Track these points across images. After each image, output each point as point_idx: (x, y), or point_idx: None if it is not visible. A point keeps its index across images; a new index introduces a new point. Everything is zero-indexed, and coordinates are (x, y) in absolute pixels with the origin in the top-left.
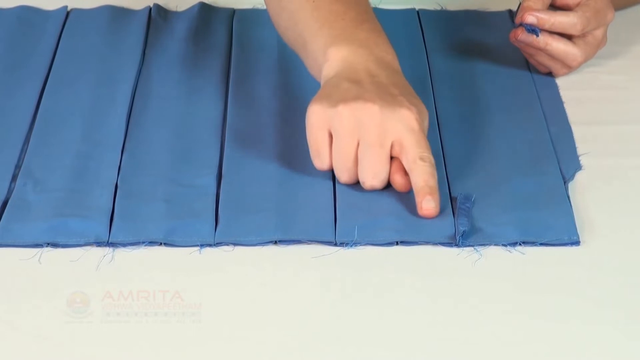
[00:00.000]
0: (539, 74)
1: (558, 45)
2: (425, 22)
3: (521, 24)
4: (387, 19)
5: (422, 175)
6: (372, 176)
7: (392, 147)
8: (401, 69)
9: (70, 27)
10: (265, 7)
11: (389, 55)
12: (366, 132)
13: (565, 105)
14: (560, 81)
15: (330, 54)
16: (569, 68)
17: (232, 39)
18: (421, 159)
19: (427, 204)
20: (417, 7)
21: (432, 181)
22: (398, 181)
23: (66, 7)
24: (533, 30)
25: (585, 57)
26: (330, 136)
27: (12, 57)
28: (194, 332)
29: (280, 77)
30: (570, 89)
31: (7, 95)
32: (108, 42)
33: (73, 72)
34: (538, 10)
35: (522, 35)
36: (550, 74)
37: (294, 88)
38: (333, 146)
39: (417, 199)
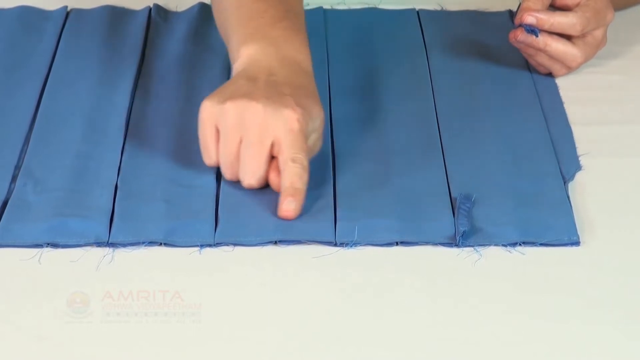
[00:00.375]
0: (539, 74)
1: (557, 46)
2: (425, 22)
3: (520, 25)
4: (387, 19)
5: (289, 176)
6: (250, 174)
7: (272, 146)
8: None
9: (70, 27)
10: None
11: (300, 55)
12: (248, 130)
13: (565, 106)
14: (560, 81)
15: (241, 52)
16: (569, 69)
17: None
18: (292, 160)
19: (287, 205)
20: (417, 7)
21: (299, 183)
22: (272, 180)
23: (66, 7)
24: (532, 30)
25: (585, 58)
26: (218, 132)
27: (12, 57)
28: (194, 332)
29: None
30: (570, 89)
31: (7, 95)
32: (108, 42)
33: (73, 72)
34: (537, 10)
35: (522, 36)
36: (550, 75)
37: None
38: (219, 142)
39: (280, 198)
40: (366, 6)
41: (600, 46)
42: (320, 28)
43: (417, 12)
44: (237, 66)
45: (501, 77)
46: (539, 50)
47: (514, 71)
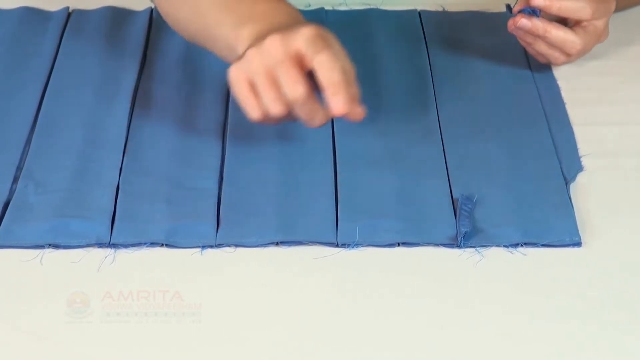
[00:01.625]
0: (541, 75)
1: (557, 33)
2: (427, 23)
3: (521, 11)
4: (388, 20)
5: (322, 74)
6: (293, 90)
7: (302, 60)
8: (403, 69)
9: (71, 28)
10: None
11: (291, 18)
12: (271, 56)
13: (567, 106)
14: (561, 82)
15: (239, 37)
16: (568, 56)
17: None
18: (319, 54)
19: (334, 104)
20: (419, 8)
21: (335, 75)
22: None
23: (67, 8)
24: (533, 11)
25: (583, 45)
26: (251, 84)
27: (14, 58)
28: (194, 332)
29: None
30: (571, 90)
31: (8, 96)
32: (109, 43)
33: (74, 72)
34: None
35: (523, 20)
36: (550, 71)
37: None
38: (257, 88)
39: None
40: (367, 7)
41: (601, 37)
42: None
43: (419, 13)
44: (241, 48)
45: (503, 77)
46: (538, 37)
47: (516, 72)
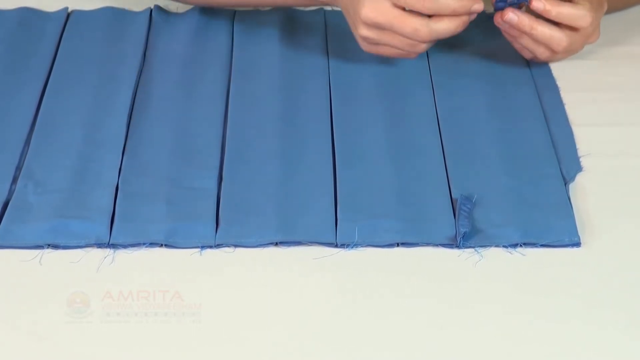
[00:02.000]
0: (540, 75)
1: (544, 30)
2: None
3: (507, 3)
4: None
5: None
6: None
7: None
8: (402, 69)
9: (71, 29)
10: (265, 9)
11: None
12: None
13: (566, 107)
14: (561, 83)
15: None
16: (553, 53)
17: (232, 41)
18: None
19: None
20: None
21: None
22: None
23: (67, 8)
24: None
25: (569, 43)
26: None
27: (13, 58)
28: (194, 332)
29: (281, 78)
30: (571, 90)
31: (8, 96)
32: (109, 44)
33: (74, 73)
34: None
35: (510, 14)
36: (550, 76)
37: (295, 89)
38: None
39: None
40: None
41: (590, 38)
42: (321, 29)
43: None
44: None
45: (502, 78)
46: (524, 33)
47: (515, 72)
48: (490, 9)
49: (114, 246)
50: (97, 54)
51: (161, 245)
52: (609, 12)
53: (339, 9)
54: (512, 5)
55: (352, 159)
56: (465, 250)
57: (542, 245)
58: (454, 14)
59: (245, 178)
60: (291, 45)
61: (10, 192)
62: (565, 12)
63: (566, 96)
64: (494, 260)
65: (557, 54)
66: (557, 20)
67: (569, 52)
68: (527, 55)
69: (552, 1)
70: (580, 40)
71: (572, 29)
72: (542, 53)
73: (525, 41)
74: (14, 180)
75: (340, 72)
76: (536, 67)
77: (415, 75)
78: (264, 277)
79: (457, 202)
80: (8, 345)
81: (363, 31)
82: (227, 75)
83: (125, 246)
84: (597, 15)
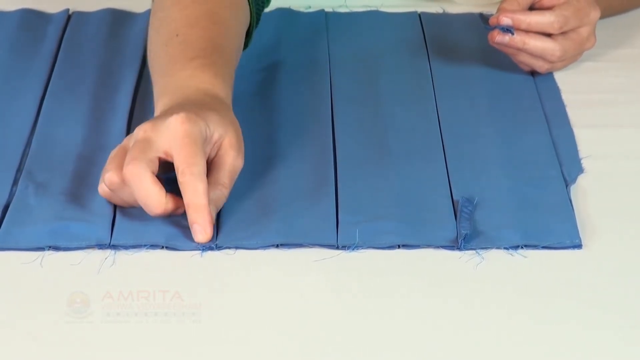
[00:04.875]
0: (541, 77)
1: (535, 43)
2: (427, 26)
3: (496, 27)
4: (388, 22)
5: (184, 193)
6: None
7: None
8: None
9: (71, 30)
10: (266, 10)
11: (207, 84)
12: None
13: (567, 108)
14: (562, 84)
15: (157, 107)
16: (550, 63)
17: None
18: (182, 172)
19: (196, 236)
20: (419, 10)
21: (196, 198)
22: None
23: (67, 10)
24: (508, 29)
25: (563, 52)
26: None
27: (14, 60)
28: (194, 333)
29: (281, 80)
30: (572, 91)
31: (8, 98)
32: (109, 45)
33: (74, 75)
34: (514, 11)
35: (499, 37)
36: (551, 78)
37: (296, 90)
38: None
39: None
40: (368, 9)
41: (586, 45)
42: (322, 31)
43: (419, 15)
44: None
45: (503, 79)
46: (518, 49)
47: (516, 74)
48: (491, 10)
49: (114, 248)
50: (98, 55)
51: (162, 247)
52: (608, 15)
53: (339, 10)
54: (501, 30)
55: (353, 160)
56: (467, 252)
57: (544, 247)
58: None
59: (246, 180)
60: (292, 46)
61: (11, 194)
62: (534, 20)
63: (567, 98)
64: (495, 262)
65: (555, 64)
66: (529, 29)
67: (567, 61)
68: (526, 69)
69: (521, 13)
70: (573, 47)
71: (563, 37)
72: (540, 67)
73: (522, 57)
74: (15, 182)
75: (341, 74)
76: None
77: (417, 77)
78: (265, 278)
79: (458, 204)
80: (8, 346)
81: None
82: None
83: (126, 248)
84: (568, 20)
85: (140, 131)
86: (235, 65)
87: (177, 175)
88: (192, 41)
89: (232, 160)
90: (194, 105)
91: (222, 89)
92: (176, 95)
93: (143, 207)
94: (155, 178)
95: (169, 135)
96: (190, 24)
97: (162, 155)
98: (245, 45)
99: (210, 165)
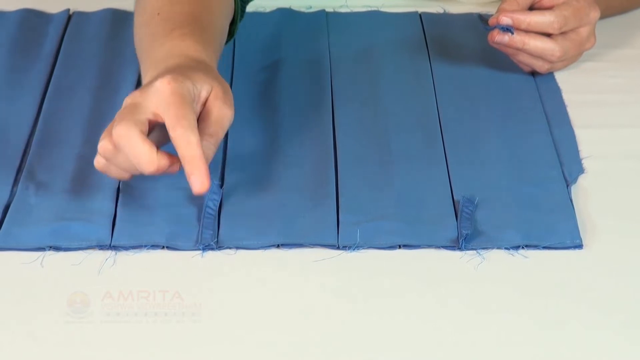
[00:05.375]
0: (542, 77)
1: (535, 44)
2: (428, 26)
3: (496, 27)
4: (389, 22)
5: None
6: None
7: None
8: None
9: (72, 30)
10: (266, 10)
11: (190, 50)
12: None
13: (568, 108)
14: (562, 84)
15: (144, 81)
16: (550, 63)
17: (234, 41)
18: (172, 128)
19: (194, 187)
20: (420, 10)
21: (189, 149)
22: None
23: (68, 10)
24: (507, 29)
25: (563, 52)
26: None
27: (14, 60)
28: (194, 333)
29: (281, 80)
30: (573, 92)
31: (9, 98)
32: (110, 45)
33: (75, 75)
34: (513, 11)
35: (498, 37)
36: (552, 78)
37: (296, 91)
38: None
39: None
40: (368, 9)
41: (586, 45)
42: (323, 31)
43: (420, 15)
44: None
45: (504, 79)
46: (518, 49)
47: (517, 74)
48: (492, 10)
49: (115, 248)
50: (99, 55)
51: (163, 247)
52: (608, 15)
53: (340, 11)
54: (501, 29)
55: (353, 160)
56: (467, 252)
57: (544, 248)
58: None
59: (247, 180)
60: (292, 47)
61: (12, 194)
62: (534, 21)
63: (568, 97)
64: (496, 263)
65: (555, 64)
66: (529, 29)
67: (567, 61)
68: (526, 69)
69: (520, 13)
70: (573, 47)
71: (563, 37)
72: (540, 67)
73: (522, 57)
74: (16, 182)
75: (342, 74)
76: None
77: (417, 78)
78: (265, 278)
79: (459, 204)
80: (9, 346)
81: None
82: (229, 78)
83: (126, 248)
84: (568, 20)
85: (128, 99)
86: (220, 43)
87: (168, 132)
88: (172, 17)
89: (217, 111)
90: (179, 68)
91: (205, 54)
92: (160, 66)
93: (137, 167)
94: (145, 137)
95: (157, 96)
96: (171, 2)
97: (151, 117)
98: (231, 35)
99: (199, 120)
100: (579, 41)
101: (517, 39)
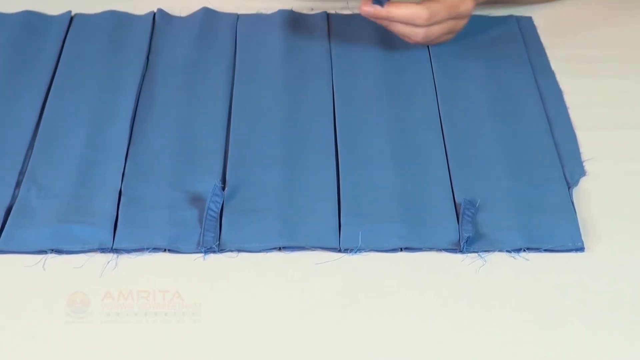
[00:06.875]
0: (543, 79)
1: (399, 11)
2: None
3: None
4: None
5: None
6: None
7: None
8: (406, 73)
9: (74, 32)
10: (268, 12)
11: None
12: None
13: (570, 111)
14: (564, 86)
15: None
16: (423, 28)
17: (235, 44)
18: None
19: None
20: None
21: None
22: None
23: (70, 12)
24: (378, 1)
25: (430, 13)
26: None
27: (16, 62)
28: (194, 333)
29: (284, 82)
30: (574, 94)
31: (11, 100)
32: (112, 47)
33: (77, 77)
34: None
35: (365, 8)
36: (553, 79)
37: (298, 93)
38: None
39: None
40: None
41: (460, 7)
42: (324, 33)
43: None
44: None
45: (505, 81)
46: (386, 19)
47: (518, 75)
48: (493, 12)
49: (117, 251)
50: (101, 57)
51: (164, 250)
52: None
53: (342, 12)
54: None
55: (355, 163)
56: (469, 255)
57: (546, 250)
58: None
59: (249, 182)
60: (294, 49)
61: (14, 197)
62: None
63: (570, 100)
64: (497, 265)
65: (431, 30)
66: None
67: (442, 28)
68: (409, 41)
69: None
70: (443, 9)
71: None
72: (416, 34)
73: (394, 27)
74: (17, 184)
75: (343, 76)
76: (539, 71)
77: (419, 79)
78: (267, 281)
79: (460, 206)
80: (9, 347)
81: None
82: (230, 79)
83: (128, 251)
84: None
85: None
86: None
87: None
88: None
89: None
90: None
91: None
92: None
93: None
94: None
95: None
96: None
97: None
98: None
99: None
100: (450, 3)
101: (382, 9)
